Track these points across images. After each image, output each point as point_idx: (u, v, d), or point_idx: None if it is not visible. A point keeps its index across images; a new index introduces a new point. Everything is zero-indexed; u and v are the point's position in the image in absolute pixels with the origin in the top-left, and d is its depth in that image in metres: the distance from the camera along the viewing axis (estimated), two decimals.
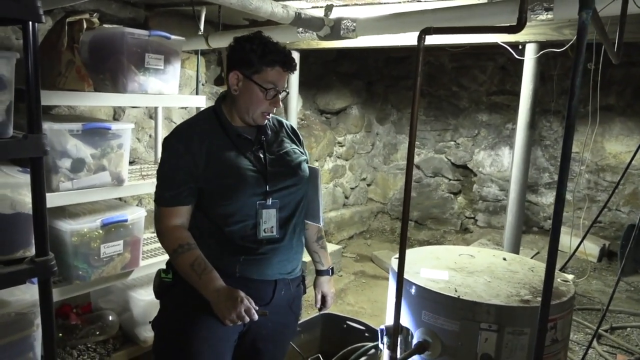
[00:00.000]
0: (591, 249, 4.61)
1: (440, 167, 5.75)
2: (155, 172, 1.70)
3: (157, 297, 1.70)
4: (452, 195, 5.74)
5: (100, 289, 2.62)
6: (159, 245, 2.14)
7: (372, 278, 4.40)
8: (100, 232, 2.25)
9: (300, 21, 2.60)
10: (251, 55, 1.57)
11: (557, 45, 2.81)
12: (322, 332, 2.74)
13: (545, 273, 1.20)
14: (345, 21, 2.74)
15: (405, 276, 1.72)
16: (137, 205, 3.28)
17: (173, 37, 2.51)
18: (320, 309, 1.97)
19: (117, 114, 3.27)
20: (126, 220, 2.34)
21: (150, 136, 3.50)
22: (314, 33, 2.83)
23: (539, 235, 5.10)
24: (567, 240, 3.70)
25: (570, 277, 3.93)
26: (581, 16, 1.09)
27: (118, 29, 2.41)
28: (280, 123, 1.80)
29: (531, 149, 3.09)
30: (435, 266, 1.96)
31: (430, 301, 1.71)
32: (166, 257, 1.66)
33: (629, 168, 2.78)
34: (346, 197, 5.70)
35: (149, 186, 2.50)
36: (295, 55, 3.95)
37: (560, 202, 1.13)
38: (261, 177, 1.61)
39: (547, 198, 5.21)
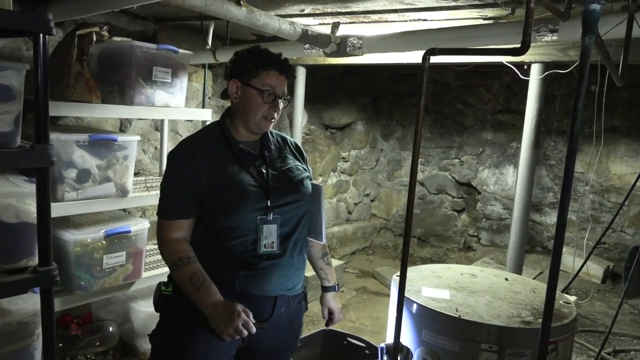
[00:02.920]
0: (595, 270, 4.58)
1: (444, 184, 5.75)
2: (159, 184, 1.72)
3: (156, 309, 1.70)
4: (455, 213, 5.73)
5: (102, 300, 2.62)
6: (161, 257, 2.15)
7: (373, 294, 4.37)
8: (104, 242, 2.26)
9: (307, 38, 2.62)
10: (247, 62, 1.62)
11: (562, 65, 2.82)
12: (322, 348, 2.71)
13: (546, 295, 1.19)
14: (351, 39, 2.76)
15: (407, 294, 1.71)
16: (141, 216, 3.29)
17: (181, 51, 2.54)
18: (327, 325, 1.99)
19: (123, 125, 3.30)
20: (129, 232, 2.34)
21: (155, 148, 3.52)
22: (321, 50, 2.85)
23: (542, 255, 5.07)
24: (571, 261, 3.68)
25: (572, 298, 3.89)
26: (584, 41, 1.10)
27: (127, 42, 2.45)
28: (284, 139, 1.81)
29: (535, 168, 3.09)
30: (437, 285, 1.95)
31: (431, 320, 1.70)
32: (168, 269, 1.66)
33: (634, 189, 2.77)
34: (349, 213, 5.70)
35: (153, 198, 2.51)
36: (302, 71, 3.99)
37: (561, 226, 1.13)
38: (262, 192, 1.62)
39: (551, 218, 5.18)
